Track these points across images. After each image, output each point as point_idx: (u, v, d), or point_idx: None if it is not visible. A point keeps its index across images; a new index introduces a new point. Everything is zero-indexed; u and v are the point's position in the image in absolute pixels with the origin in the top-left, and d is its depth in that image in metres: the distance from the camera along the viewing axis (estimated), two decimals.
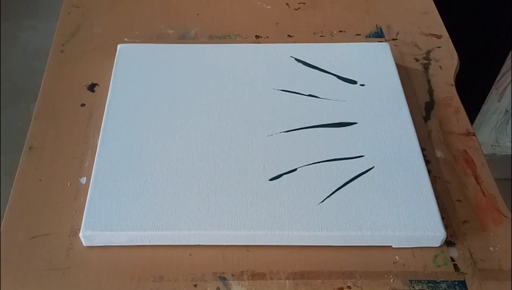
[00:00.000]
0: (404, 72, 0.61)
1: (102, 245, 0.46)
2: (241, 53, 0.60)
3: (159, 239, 0.45)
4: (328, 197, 0.47)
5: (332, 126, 0.53)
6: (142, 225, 0.45)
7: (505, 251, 0.47)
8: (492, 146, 1.27)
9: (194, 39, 0.65)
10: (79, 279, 0.44)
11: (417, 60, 0.63)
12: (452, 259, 0.46)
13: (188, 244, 0.46)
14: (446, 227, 0.47)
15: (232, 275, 0.45)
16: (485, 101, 1.12)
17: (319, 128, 0.53)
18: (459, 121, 0.57)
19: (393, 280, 0.45)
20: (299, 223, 0.45)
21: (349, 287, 0.44)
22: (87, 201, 0.47)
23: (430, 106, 0.58)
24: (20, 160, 0.52)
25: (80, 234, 0.45)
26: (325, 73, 0.58)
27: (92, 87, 0.59)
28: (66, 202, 0.49)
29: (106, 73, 0.59)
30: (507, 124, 1.22)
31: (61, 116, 0.56)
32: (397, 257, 0.46)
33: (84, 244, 0.46)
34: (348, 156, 0.50)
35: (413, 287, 0.44)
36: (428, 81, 0.61)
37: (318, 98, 0.56)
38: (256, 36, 0.66)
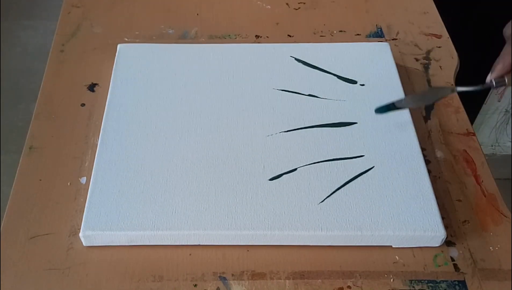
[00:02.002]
0: (404, 72, 0.61)
1: (102, 245, 0.46)
2: (241, 53, 0.60)
3: (159, 239, 0.45)
4: (328, 197, 0.47)
5: (332, 126, 0.53)
6: (142, 225, 0.45)
7: (505, 251, 0.47)
8: (492, 146, 1.27)
9: (194, 39, 0.65)
10: (79, 279, 0.44)
11: (417, 60, 0.63)
12: (452, 259, 0.46)
13: (188, 244, 0.46)
14: (446, 227, 0.47)
15: (232, 275, 0.45)
16: (485, 101, 1.12)
17: (319, 128, 0.53)
18: (459, 121, 0.57)
19: (393, 280, 0.45)
20: (299, 223, 0.45)
21: (349, 287, 0.44)
22: (87, 201, 0.47)
23: (430, 106, 0.58)
24: (20, 160, 0.52)
25: (80, 234, 0.45)
26: (325, 73, 0.58)
27: (92, 87, 0.59)
28: (66, 202, 0.49)
29: (106, 73, 0.59)
30: (507, 124, 1.22)
31: (61, 116, 0.56)
32: (397, 257, 0.46)
33: (84, 244, 0.46)
34: (348, 156, 0.50)
35: (413, 287, 0.44)
36: (428, 81, 0.61)
37: (318, 98, 0.56)
38: (256, 36, 0.66)
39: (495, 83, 0.44)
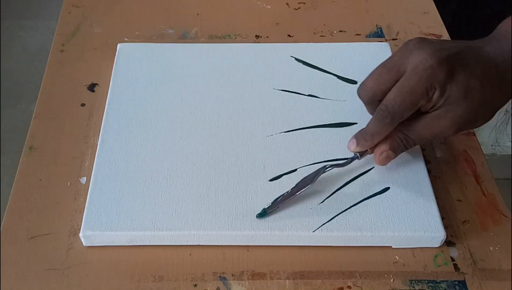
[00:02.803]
0: None
1: (102, 245, 0.46)
2: (241, 53, 0.60)
3: (159, 239, 0.45)
4: (328, 197, 0.47)
5: (332, 126, 0.53)
6: (142, 225, 0.45)
7: (505, 251, 0.47)
8: (492, 146, 1.27)
9: (194, 39, 0.65)
10: (79, 279, 0.44)
11: None
12: (452, 259, 0.46)
13: (188, 244, 0.46)
14: (446, 227, 0.47)
15: (232, 275, 0.45)
16: None
17: (319, 128, 0.53)
18: None
19: (393, 280, 0.45)
20: (299, 223, 0.45)
21: (349, 287, 0.44)
22: (87, 201, 0.47)
23: None
24: (20, 160, 0.52)
25: (80, 234, 0.45)
26: (325, 73, 0.58)
27: (92, 87, 0.59)
28: (66, 202, 0.49)
29: (106, 73, 0.59)
30: (507, 124, 1.22)
31: (61, 116, 0.56)
32: (397, 257, 0.46)
33: (84, 244, 0.46)
34: (348, 157, 0.50)
35: (413, 287, 0.44)
36: None
37: (318, 98, 0.56)
38: (256, 36, 0.66)
39: (360, 155, 0.48)
